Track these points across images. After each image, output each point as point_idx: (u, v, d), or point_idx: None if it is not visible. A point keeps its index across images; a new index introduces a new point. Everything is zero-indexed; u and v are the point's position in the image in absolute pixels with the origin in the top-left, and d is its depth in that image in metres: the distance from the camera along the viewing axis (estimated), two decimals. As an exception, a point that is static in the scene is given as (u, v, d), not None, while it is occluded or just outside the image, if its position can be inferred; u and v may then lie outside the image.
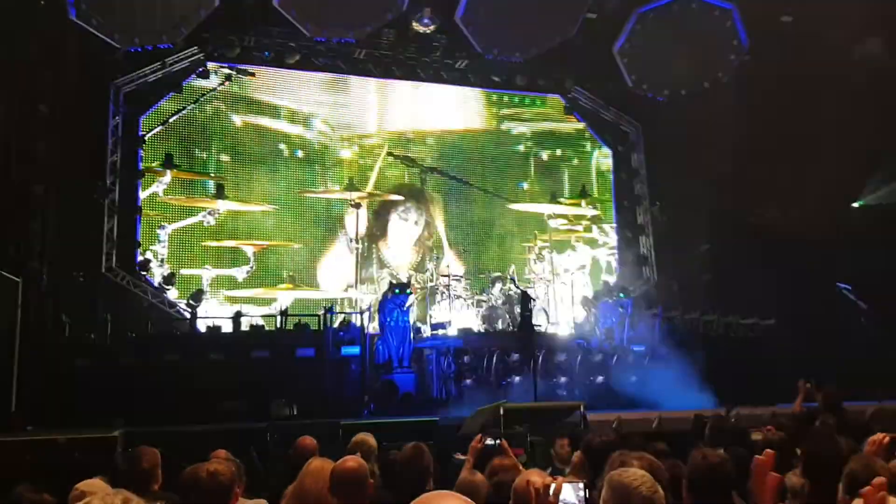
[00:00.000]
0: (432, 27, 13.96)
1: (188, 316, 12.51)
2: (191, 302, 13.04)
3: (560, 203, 15.43)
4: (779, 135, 16.18)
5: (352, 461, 3.69)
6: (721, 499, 3.32)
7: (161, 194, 13.71)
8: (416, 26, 13.94)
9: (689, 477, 3.35)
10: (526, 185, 16.39)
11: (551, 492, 2.68)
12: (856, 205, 15.27)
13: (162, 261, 13.49)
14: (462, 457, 5.14)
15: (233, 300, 13.73)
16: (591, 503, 2.75)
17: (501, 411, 7.44)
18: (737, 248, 16.44)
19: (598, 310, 13.95)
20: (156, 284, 13.32)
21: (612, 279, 15.86)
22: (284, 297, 13.69)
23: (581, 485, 2.77)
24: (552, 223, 15.12)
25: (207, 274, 13.59)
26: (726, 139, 16.60)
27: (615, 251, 16.30)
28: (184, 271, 13.76)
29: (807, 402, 8.53)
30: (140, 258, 13.42)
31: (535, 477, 3.01)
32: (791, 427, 6.30)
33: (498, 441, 4.87)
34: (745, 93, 15.51)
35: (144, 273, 13.31)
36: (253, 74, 14.76)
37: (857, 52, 14.99)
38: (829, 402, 7.86)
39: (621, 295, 14.76)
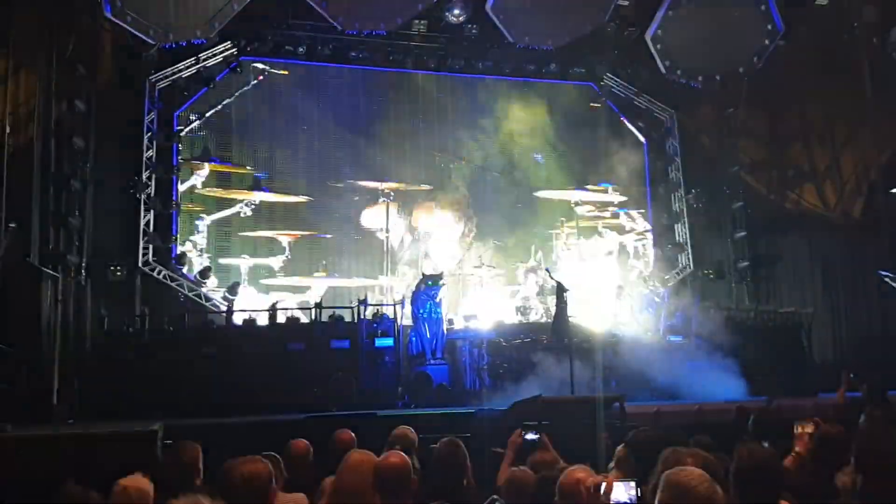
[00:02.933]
0: (463, 17, 13.88)
1: (224, 309, 12.60)
2: (227, 295, 13.16)
3: (587, 190, 15.32)
4: (815, 119, 15.92)
5: (395, 457, 3.64)
6: (769, 496, 3.22)
7: (199, 187, 13.88)
8: (447, 17, 13.86)
9: (735, 474, 3.26)
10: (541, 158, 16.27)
11: (602, 491, 2.64)
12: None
13: (201, 251, 13.67)
14: (500, 451, 5.10)
15: (269, 288, 13.87)
16: (641, 501, 2.69)
17: (540, 404, 7.38)
18: (774, 235, 16.22)
19: (635, 300, 13.83)
20: (192, 278, 13.45)
21: (639, 264, 15.68)
22: (318, 285, 13.82)
23: (632, 483, 2.72)
24: (578, 210, 15.01)
25: (245, 263, 13.74)
26: (762, 124, 16.38)
27: (645, 236, 16.09)
28: (222, 260, 14.00)
29: (850, 391, 8.36)
30: (177, 251, 13.57)
31: (583, 474, 2.96)
32: (837, 419, 6.16)
33: (538, 435, 4.82)
34: (781, 76, 15.26)
35: (181, 267, 13.45)
36: (286, 72, 14.90)
37: (893, 33, 14.65)
38: (873, 393, 7.69)
39: (657, 285, 14.64)
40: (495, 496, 3.23)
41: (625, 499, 2.69)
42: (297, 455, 4.92)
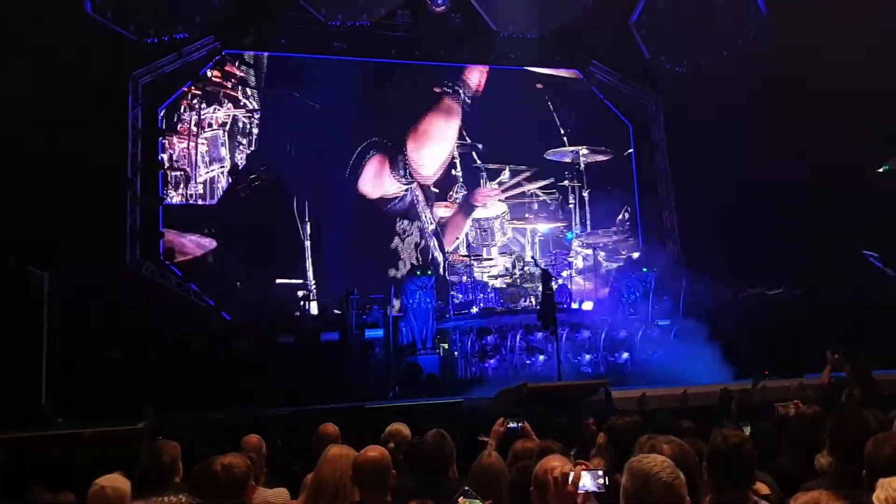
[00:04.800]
0: (446, 7, 13.85)
1: (213, 304, 12.60)
2: (216, 290, 13.15)
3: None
4: (801, 101, 15.93)
5: (374, 451, 3.68)
6: (743, 479, 3.27)
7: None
8: (430, 6, 13.83)
9: (709, 459, 3.31)
10: None
11: (570, 480, 2.66)
12: (881, 169, 14.99)
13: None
14: (485, 439, 5.14)
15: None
16: (613, 488, 2.73)
17: (525, 391, 7.42)
18: (761, 217, 16.24)
19: (622, 285, 13.87)
20: (180, 274, 13.43)
21: (623, 253, 15.71)
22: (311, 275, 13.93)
23: (600, 472, 2.75)
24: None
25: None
26: (748, 107, 16.38)
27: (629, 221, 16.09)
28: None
29: (835, 372, 8.42)
30: (164, 248, 13.54)
31: (556, 462, 2.99)
32: (820, 399, 6.23)
33: (520, 423, 4.86)
34: (765, 59, 15.26)
35: (169, 263, 13.42)
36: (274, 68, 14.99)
37: (880, 12, 14.69)
38: (857, 373, 7.76)
39: (644, 269, 14.66)
40: (466, 487, 3.26)
41: (593, 487, 2.72)
42: (251, 449, 4.94)
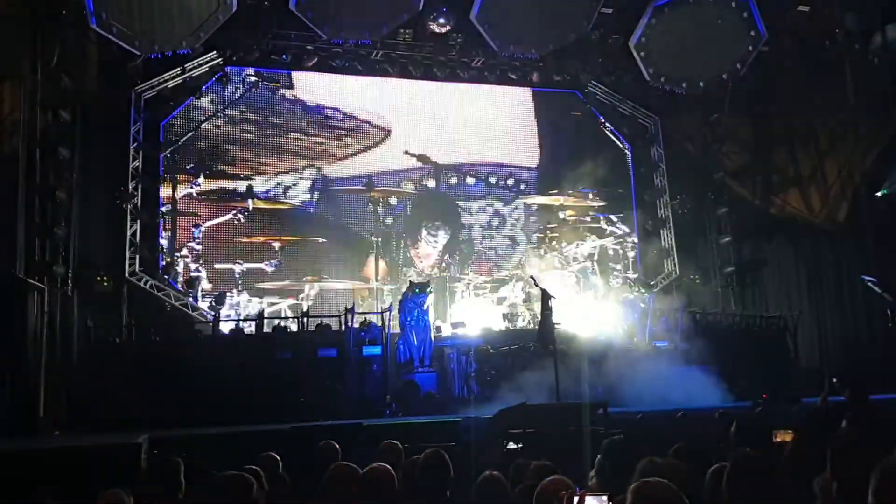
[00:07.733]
0: (448, 27, 13.93)
1: (211, 318, 12.59)
2: (213, 304, 13.14)
3: (569, 195, 15.43)
4: (799, 124, 16.03)
5: (378, 468, 3.68)
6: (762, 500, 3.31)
7: (195, 195, 14.00)
8: (431, 26, 13.91)
9: (729, 479, 3.34)
10: None
11: (574, 504, 2.68)
12: (879, 194, 15.05)
13: (198, 257, 13.73)
14: (514, 446, 5.07)
15: (263, 292, 14.06)
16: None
17: (523, 411, 7.40)
18: (759, 240, 16.31)
19: (620, 305, 13.88)
20: (179, 287, 13.45)
21: (618, 266, 15.75)
22: (310, 289, 14.05)
23: (604, 497, 2.76)
24: (561, 215, 15.09)
25: (239, 268, 13.84)
26: (746, 130, 16.49)
27: (624, 240, 16.13)
28: (217, 265, 14.09)
29: (832, 396, 8.42)
30: (164, 261, 13.57)
31: (560, 486, 3.00)
32: (816, 424, 6.22)
33: (520, 446, 4.85)
34: (764, 83, 15.37)
35: (167, 277, 13.44)
36: (277, 82, 15.11)
37: (874, 39, 14.81)
38: (856, 396, 7.75)
39: (643, 290, 14.70)
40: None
41: None
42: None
